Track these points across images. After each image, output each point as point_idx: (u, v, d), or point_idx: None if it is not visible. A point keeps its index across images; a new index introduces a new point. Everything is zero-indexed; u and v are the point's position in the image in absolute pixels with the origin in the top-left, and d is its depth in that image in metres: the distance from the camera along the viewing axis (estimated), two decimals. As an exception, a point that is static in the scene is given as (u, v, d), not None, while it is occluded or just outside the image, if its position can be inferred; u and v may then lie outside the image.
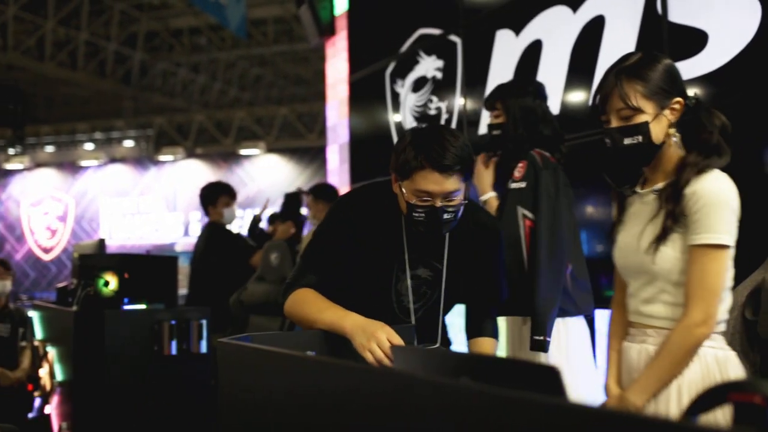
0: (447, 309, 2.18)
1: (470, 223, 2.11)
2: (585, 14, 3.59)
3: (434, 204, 1.92)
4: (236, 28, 12.40)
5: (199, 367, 3.31)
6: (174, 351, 3.25)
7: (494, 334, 2.21)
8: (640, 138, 1.79)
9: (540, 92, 2.91)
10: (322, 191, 4.74)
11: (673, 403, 1.76)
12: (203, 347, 3.28)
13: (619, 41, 3.39)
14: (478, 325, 2.20)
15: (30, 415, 4.26)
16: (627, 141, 1.80)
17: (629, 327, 1.94)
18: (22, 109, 14.09)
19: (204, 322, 3.30)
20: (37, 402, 4.21)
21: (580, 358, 2.70)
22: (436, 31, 4.79)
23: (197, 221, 13.29)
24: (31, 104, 15.62)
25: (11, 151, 14.48)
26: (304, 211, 5.30)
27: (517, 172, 2.72)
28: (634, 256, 1.86)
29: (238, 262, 4.73)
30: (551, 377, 0.96)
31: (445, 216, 1.94)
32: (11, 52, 12.56)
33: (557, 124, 2.93)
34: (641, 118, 1.79)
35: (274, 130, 16.14)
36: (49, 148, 16.29)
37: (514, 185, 2.73)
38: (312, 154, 12.91)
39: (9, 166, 14.26)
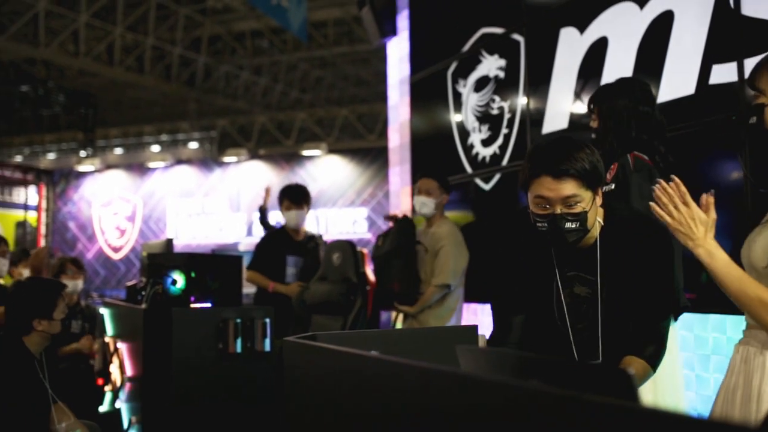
0: (610, 327, 2.03)
1: (626, 231, 2.01)
2: (652, 10, 3.51)
3: (554, 211, 1.91)
4: (297, 30, 12.55)
5: (263, 364, 3.35)
6: (239, 349, 3.29)
7: (649, 357, 1.96)
8: None
9: (639, 93, 2.78)
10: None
11: (749, 409, 1.70)
12: (267, 345, 3.32)
13: (688, 37, 3.30)
14: (634, 344, 1.99)
15: (101, 409, 4.39)
16: None
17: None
18: (93, 112, 14.61)
19: (268, 321, 3.34)
20: (108, 396, 4.34)
21: (672, 364, 2.59)
22: (498, 30, 4.75)
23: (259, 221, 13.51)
24: (101, 108, 16.13)
25: (82, 153, 14.99)
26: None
27: (608, 175, 2.68)
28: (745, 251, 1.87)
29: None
30: (623, 381, 0.94)
31: (567, 225, 1.91)
32: (83, 57, 12.98)
33: (661, 124, 2.80)
34: None
35: (334, 131, 16.26)
36: (118, 150, 16.80)
37: (605, 188, 2.68)
38: (373, 154, 12.95)
39: (81, 168, 14.74)
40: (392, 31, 6.01)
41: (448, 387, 1.08)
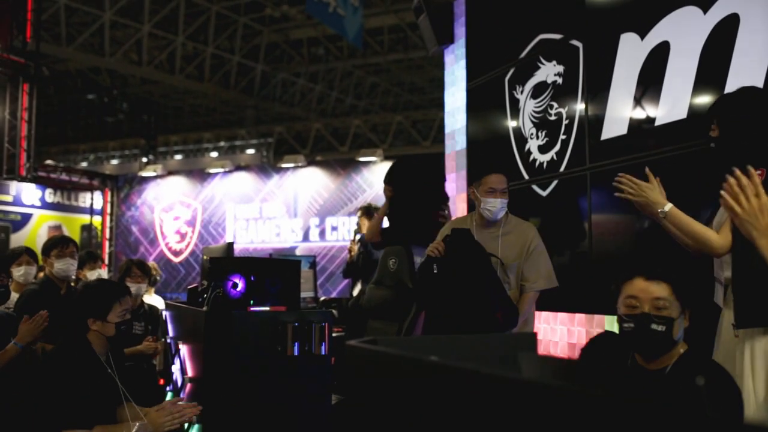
0: None
1: (701, 370, 1.95)
2: (717, 13, 3.44)
3: (642, 310, 1.94)
4: (353, 37, 12.67)
5: (320, 367, 3.39)
6: (296, 352, 3.34)
7: None
8: None
9: (761, 102, 2.67)
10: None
11: None
12: (324, 349, 3.35)
13: (755, 40, 3.22)
14: None
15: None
16: None
17: None
18: (154, 119, 14.99)
19: (325, 324, 3.38)
20: (169, 396, 4.44)
21: None
22: (557, 36, 4.72)
23: (315, 227, 13.62)
24: (162, 115, 16.55)
25: (144, 159, 15.39)
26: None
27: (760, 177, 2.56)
28: None
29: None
30: (691, 390, 0.94)
31: (654, 326, 1.93)
32: (145, 66, 13.34)
33: None
34: None
35: (389, 138, 16.32)
36: (178, 156, 17.19)
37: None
38: (429, 160, 12.97)
39: (144, 174, 15.14)
40: (449, 38, 6.02)
41: (511, 393, 1.08)
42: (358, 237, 5.94)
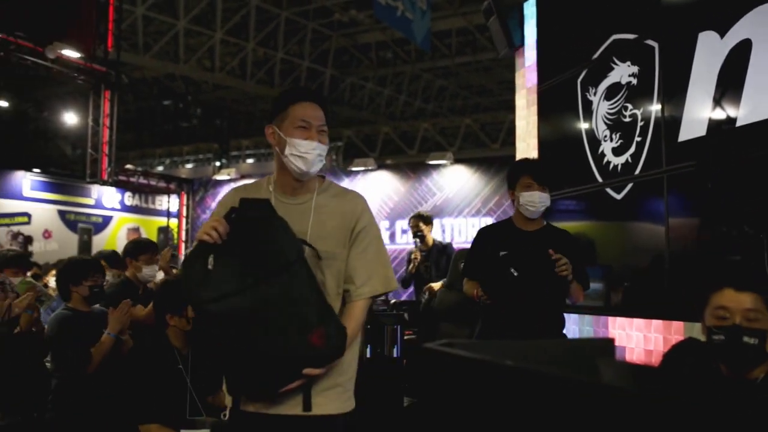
0: None
1: None
2: (802, 10, 3.32)
3: (734, 321, 1.90)
4: (421, 41, 12.68)
5: (393, 370, 3.42)
6: (369, 354, 3.38)
7: None
8: None
9: None
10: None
11: None
12: (396, 351, 3.38)
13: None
14: None
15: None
16: None
17: None
18: (227, 124, 15.35)
19: (397, 327, 3.40)
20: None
21: None
22: (630, 36, 4.63)
23: (386, 230, 13.70)
24: (234, 120, 16.93)
25: (217, 163, 15.78)
26: None
27: None
28: None
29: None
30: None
31: (746, 339, 1.88)
32: (218, 72, 13.68)
33: None
34: None
35: (457, 141, 16.28)
36: (250, 160, 17.55)
37: None
38: (498, 163, 12.86)
39: (217, 177, 15.51)
40: (520, 40, 5.98)
41: (589, 399, 1.08)
42: (419, 244, 5.94)
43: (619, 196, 4.72)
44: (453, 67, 15.32)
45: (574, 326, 4.84)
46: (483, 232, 3.71)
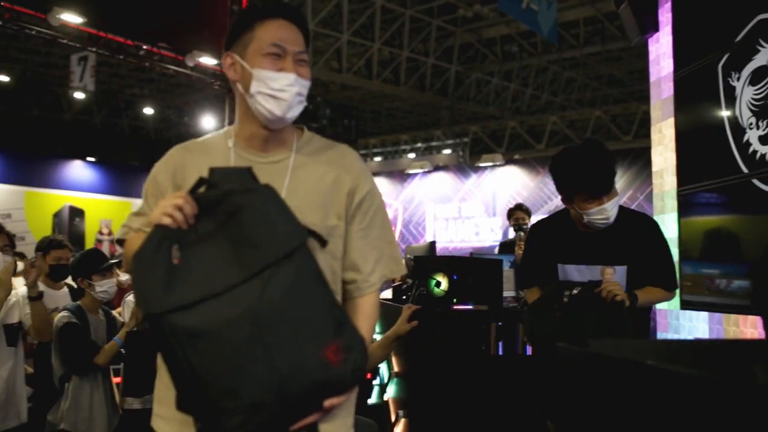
0: None
1: None
2: None
3: None
4: (548, 33, 12.39)
5: (525, 367, 3.37)
6: (500, 351, 3.34)
7: None
8: None
9: None
10: None
11: None
12: (529, 349, 3.33)
13: None
14: None
15: (369, 401, 4.67)
16: None
17: None
18: (355, 124, 15.66)
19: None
20: (376, 389, 4.61)
21: None
22: (778, 16, 4.33)
23: (512, 226, 13.58)
24: (362, 119, 17.24)
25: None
26: None
27: None
28: None
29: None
30: None
31: None
32: (345, 73, 13.97)
33: None
34: None
35: (587, 134, 15.81)
36: (378, 159, 17.81)
37: None
38: (632, 156, 12.38)
39: (346, 176, 15.87)
40: (653, 27, 5.72)
41: (731, 398, 1.02)
42: (523, 237, 5.78)
43: (767, 188, 4.43)
44: (581, 57, 14.89)
45: (703, 324, 4.59)
46: (537, 230, 3.08)
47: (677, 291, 2.95)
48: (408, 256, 4.38)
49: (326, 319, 1.45)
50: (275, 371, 1.39)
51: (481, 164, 14.64)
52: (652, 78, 5.85)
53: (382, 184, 15.64)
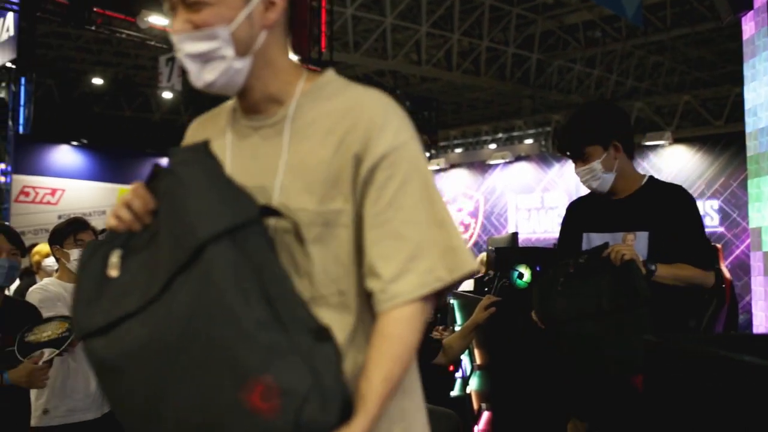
0: None
1: None
2: None
3: None
4: (632, 16, 12.01)
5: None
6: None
7: None
8: None
9: None
10: None
11: None
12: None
13: None
14: None
15: (452, 394, 4.66)
16: None
17: None
18: (435, 115, 15.63)
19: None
20: (458, 382, 4.59)
21: None
22: None
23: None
24: (442, 111, 17.18)
25: (427, 154, 16.14)
26: None
27: None
28: None
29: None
30: None
31: None
32: (424, 65, 13.94)
33: None
34: None
35: (675, 119, 15.29)
36: (458, 150, 17.72)
37: None
38: (724, 141, 11.87)
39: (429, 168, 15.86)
40: (747, 5, 5.46)
41: None
42: None
43: None
44: (668, 41, 14.36)
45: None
46: (571, 206, 2.93)
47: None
48: (490, 247, 4.34)
49: (250, 345, 0.99)
50: (182, 422, 1.03)
51: (565, 153, 14.36)
52: (746, 58, 5.59)
53: (462, 175, 15.54)
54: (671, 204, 2.56)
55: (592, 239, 2.66)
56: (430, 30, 13.58)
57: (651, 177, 2.71)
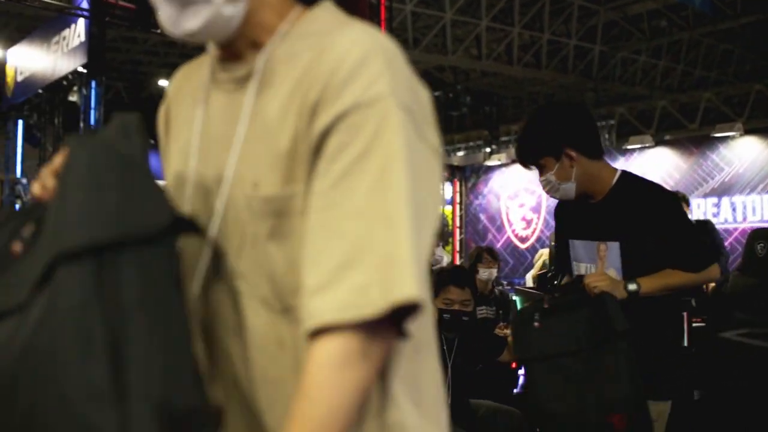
0: None
1: None
2: None
3: None
4: (701, 3, 11.68)
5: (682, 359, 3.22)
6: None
7: None
8: None
9: None
10: None
11: None
12: (685, 340, 3.18)
13: None
14: None
15: (515, 391, 4.64)
16: None
17: None
18: (495, 110, 15.51)
19: (684, 314, 3.19)
20: (522, 379, 4.56)
21: None
22: None
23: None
24: (503, 105, 17.02)
25: (488, 149, 16.01)
26: None
27: None
28: None
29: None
30: None
31: None
32: (485, 60, 13.84)
33: None
34: None
35: (746, 110, 14.80)
36: (519, 145, 17.46)
37: None
38: (798, 133, 11.45)
39: (488, 163, 15.75)
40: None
41: None
42: None
43: None
44: (738, 28, 13.90)
45: None
46: (556, 213, 2.81)
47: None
48: (552, 243, 4.29)
49: (66, 417, 0.72)
50: None
51: (629, 146, 14.04)
52: (822, 46, 5.37)
53: (524, 170, 15.33)
54: (648, 207, 2.38)
55: (576, 246, 2.56)
56: (490, 24, 13.46)
57: (623, 173, 2.52)
